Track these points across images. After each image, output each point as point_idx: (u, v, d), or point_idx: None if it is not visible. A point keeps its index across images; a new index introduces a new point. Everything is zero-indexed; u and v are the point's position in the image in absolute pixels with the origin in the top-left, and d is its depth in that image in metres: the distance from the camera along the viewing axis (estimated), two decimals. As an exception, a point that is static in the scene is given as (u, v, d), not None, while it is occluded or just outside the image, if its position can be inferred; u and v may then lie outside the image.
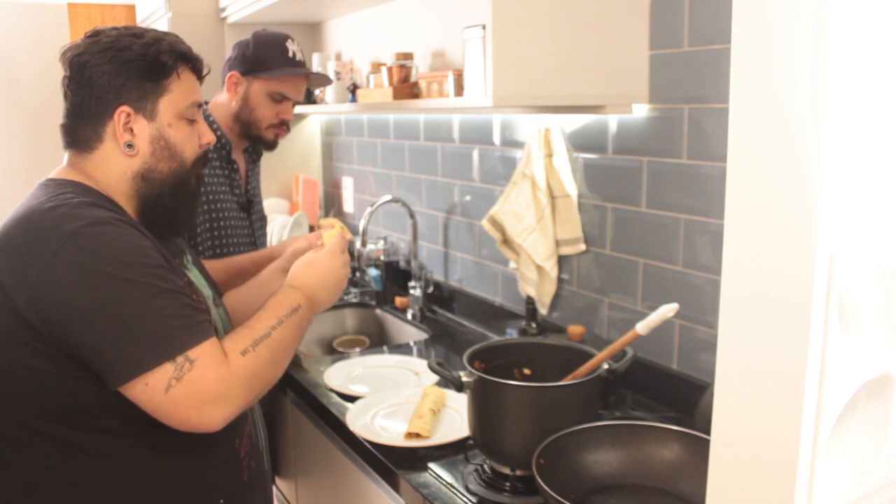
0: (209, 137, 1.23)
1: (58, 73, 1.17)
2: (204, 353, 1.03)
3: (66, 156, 1.18)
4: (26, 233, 1.03)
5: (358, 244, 2.52)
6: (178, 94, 1.16)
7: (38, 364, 1.03)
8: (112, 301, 1.00)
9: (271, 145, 1.99)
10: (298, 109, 2.74)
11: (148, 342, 1.00)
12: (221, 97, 1.96)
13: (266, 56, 1.90)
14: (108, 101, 1.12)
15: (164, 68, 1.14)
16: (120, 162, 1.15)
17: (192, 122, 1.20)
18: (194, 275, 1.26)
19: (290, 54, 1.93)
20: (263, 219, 2.12)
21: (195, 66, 1.21)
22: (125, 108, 1.13)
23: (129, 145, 1.14)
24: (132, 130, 1.14)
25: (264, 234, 2.11)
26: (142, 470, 1.10)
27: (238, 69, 1.92)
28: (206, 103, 1.93)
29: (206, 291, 1.25)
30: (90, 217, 1.03)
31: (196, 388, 1.01)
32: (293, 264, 1.33)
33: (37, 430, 1.06)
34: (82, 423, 1.06)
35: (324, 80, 2.10)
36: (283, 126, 1.96)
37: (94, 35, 1.15)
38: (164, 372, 1.00)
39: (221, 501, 1.19)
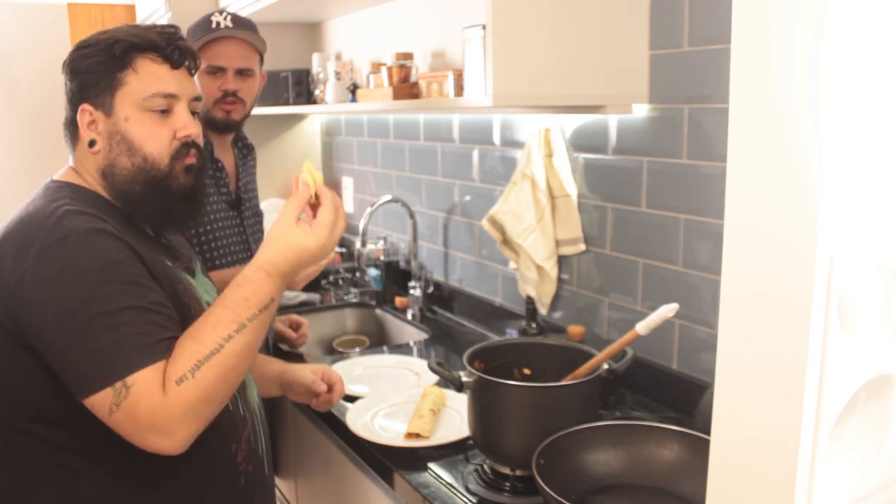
0: (189, 129, 1.16)
1: (58, 73, 1.19)
2: (141, 380, 0.97)
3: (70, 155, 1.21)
4: (13, 239, 1.05)
5: (358, 244, 2.51)
6: (135, 85, 1.13)
7: (24, 367, 1.04)
8: (71, 316, 0.99)
9: (230, 125, 1.86)
10: (299, 109, 2.75)
11: (95, 364, 0.98)
12: None
13: (193, 39, 1.81)
14: (76, 101, 1.14)
15: (116, 61, 1.13)
16: (90, 160, 1.16)
17: (163, 112, 1.14)
18: (199, 280, 1.25)
19: (214, 25, 1.81)
20: (258, 214, 2.04)
21: (164, 54, 1.15)
22: (86, 107, 1.14)
23: (91, 143, 1.14)
24: (97, 128, 1.14)
25: (260, 230, 2.04)
26: (134, 472, 1.09)
27: None
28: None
29: (209, 297, 1.23)
30: (67, 228, 1.03)
31: (132, 418, 0.98)
32: (270, 230, 1.13)
33: (28, 432, 1.07)
34: (72, 425, 1.06)
35: (250, 37, 1.83)
36: (230, 98, 1.82)
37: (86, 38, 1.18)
38: (105, 396, 0.98)
39: None
